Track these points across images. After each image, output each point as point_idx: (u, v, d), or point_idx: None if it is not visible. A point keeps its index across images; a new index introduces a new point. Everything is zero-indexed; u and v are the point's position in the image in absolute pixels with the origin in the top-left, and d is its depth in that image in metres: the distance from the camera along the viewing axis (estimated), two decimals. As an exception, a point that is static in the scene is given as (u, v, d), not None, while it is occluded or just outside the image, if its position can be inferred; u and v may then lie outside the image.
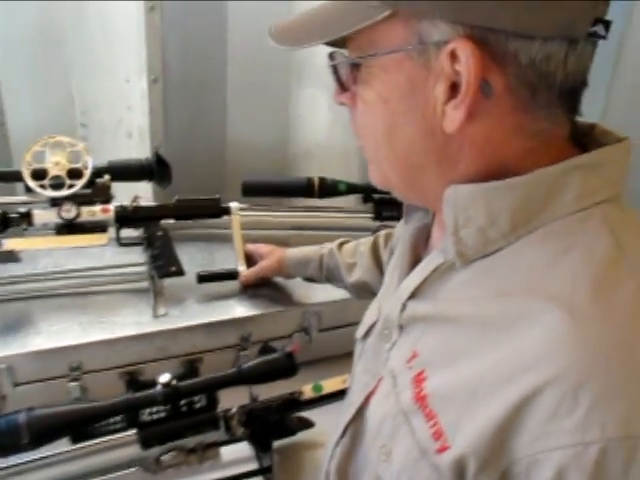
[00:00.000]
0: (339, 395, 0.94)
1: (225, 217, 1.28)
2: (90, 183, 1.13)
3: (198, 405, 0.83)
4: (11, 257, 1.10)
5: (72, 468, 0.82)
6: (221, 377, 0.84)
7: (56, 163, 1.11)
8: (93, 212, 1.13)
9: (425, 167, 0.53)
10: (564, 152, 0.50)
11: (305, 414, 1.00)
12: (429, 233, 0.66)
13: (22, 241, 1.10)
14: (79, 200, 1.12)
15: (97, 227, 1.14)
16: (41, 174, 1.10)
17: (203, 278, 1.19)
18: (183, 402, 0.83)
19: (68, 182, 1.11)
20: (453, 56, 0.46)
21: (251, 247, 1.25)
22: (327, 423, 1.03)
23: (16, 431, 0.73)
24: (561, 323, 0.43)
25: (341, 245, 1.11)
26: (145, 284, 1.20)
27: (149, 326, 1.08)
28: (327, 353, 1.21)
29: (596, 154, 0.50)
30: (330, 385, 0.94)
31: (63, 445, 0.81)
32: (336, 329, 1.23)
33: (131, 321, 1.09)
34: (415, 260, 0.64)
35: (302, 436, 1.02)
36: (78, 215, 1.11)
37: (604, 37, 0.47)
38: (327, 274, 1.11)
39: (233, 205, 1.25)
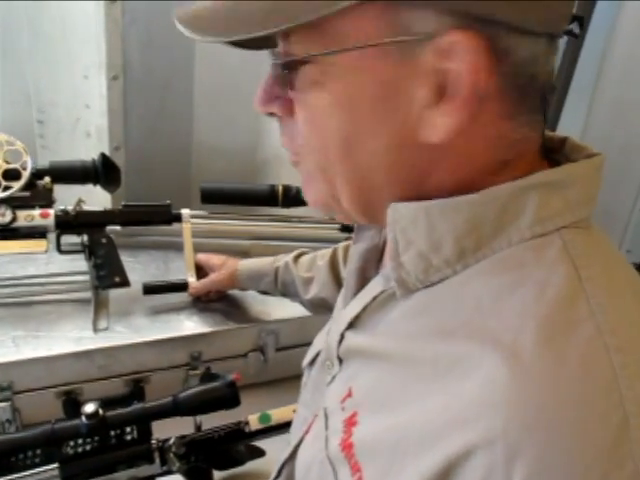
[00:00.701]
0: (289, 425, 0.86)
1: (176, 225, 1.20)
2: (29, 185, 1.04)
3: (129, 437, 0.75)
4: (-61, 264, 1.01)
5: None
6: (154, 407, 0.75)
7: (-9, 162, 1.03)
8: (31, 216, 1.04)
9: (387, 184, 0.45)
10: (533, 167, 0.43)
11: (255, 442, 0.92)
12: (381, 254, 0.58)
13: (-50, 247, 1.01)
14: (16, 203, 1.03)
15: (35, 233, 1.05)
16: (-26, 174, 1.01)
17: (149, 289, 1.10)
18: (113, 433, 0.74)
19: (4, 184, 1.03)
20: (444, 52, 0.38)
21: (202, 257, 1.17)
22: (278, 451, 0.95)
23: None
24: (500, 374, 0.36)
25: (298, 257, 1.03)
26: (87, 295, 1.11)
27: (90, 342, 0.99)
28: (284, 374, 1.13)
29: (559, 171, 0.42)
30: (280, 415, 0.86)
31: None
32: (294, 348, 1.15)
33: (71, 336, 1.00)
34: (362, 284, 0.56)
35: (251, 465, 0.94)
36: (14, 219, 1.02)
37: (576, 35, 0.41)
38: (282, 289, 1.03)
39: (184, 212, 1.17)
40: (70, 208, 1.08)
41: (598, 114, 1.69)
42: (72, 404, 0.98)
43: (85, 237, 1.08)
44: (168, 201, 1.16)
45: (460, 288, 0.43)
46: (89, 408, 0.72)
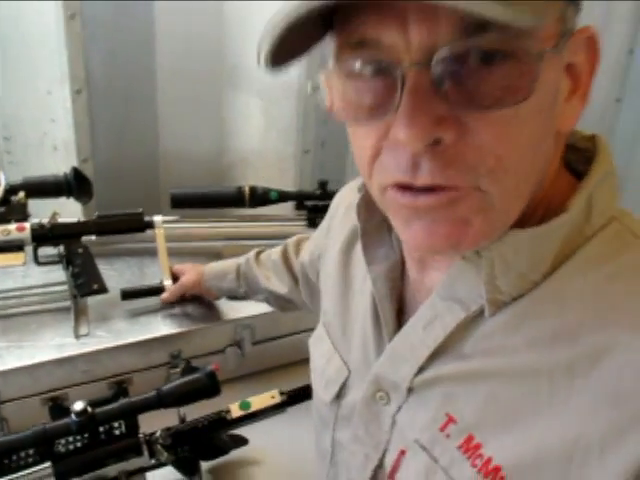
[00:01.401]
0: (269, 411, 0.91)
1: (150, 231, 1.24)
2: (4, 201, 1.08)
3: (118, 432, 0.79)
4: None
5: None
6: (139, 401, 0.80)
7: (-35, 181, 1.06)
8: (7, 231, 1.08)
9: (537, 183, 0.45)
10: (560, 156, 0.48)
11: (238, 431, 0.97)
12: (402, 271, 0.58)
13: None
14: (-8, 218, 1.07)
15: (12, 246, 1.08)
16: (-52, 193, 1.04)
17: (127, 294, 1.15)
18: (102, 429, 0.79)
19: (-21, 200, 1.06)
20: (576, 46, 0.41)
21: (178, 267, 1.21)
22: (261, 439, 1.01)
23: None
24: None
25: (258, 255, 1.07)
26: (67, 304, 1.15)
27: (72, 348, 1.03)
28: (261, 366, 1.18)
29: (602, 165, 0.47)
30: (259, 402, 0.91)
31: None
32: (270, 341, 1.20)
33: (53, 344, 1.04)
34: (398, 306, 0.56)
35: (235, 454, 0.99)
36: (-9, 234, 1.06)
37: None
38: (246, 286, 1.07)
39: (156, 218, 1.21)
40: (45, 221, 1.12)
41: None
42: (58, 410, 1.02)
43: (62, 248, 1.12)
44: (140, 209, 1.20)
45: (556, 292, 0.45)
46: (78, 406, 0.76)
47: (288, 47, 0.40)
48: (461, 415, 0.48)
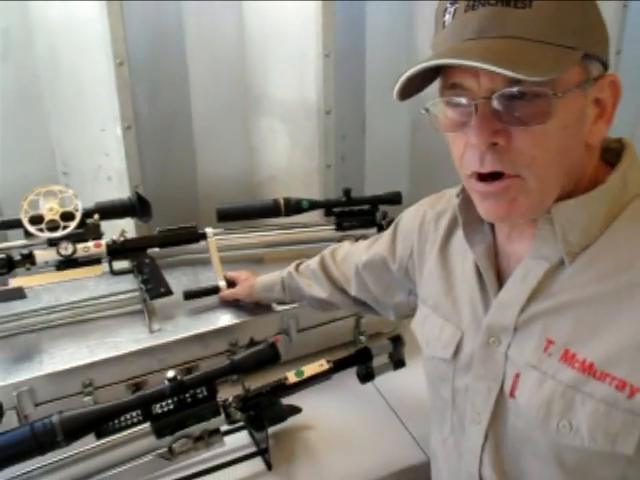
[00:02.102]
0: (318, 378, 1.10)
1: (202, 242, 1.44)
2: (82, 223, 1.28)
3: (200, 396, 0.98)
4: (19, 294, 1.24)
5: (99, 460, 0.96)
6: (218, 369, 0.99)
7: (50, 209, 1.27)
8: (87, 248, 1.28)
9: (567, 179, 0.68)
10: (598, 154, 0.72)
11: (292, 401, 1.15)
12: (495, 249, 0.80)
13: (29, 278, 1.25)
14: (74, 239, 1.27)
15: (92, 260, 1.29)
16: (38, 219, 1.25)
17: (189, 295, 1.35)
18: (187, 394, 0.98)
19: (62, 224, 1.26)
20: (602, 86, 0.66)
21: (233, 274, 1.41)
22: (312, 408, 1.19)
23: (52, 430, 0.88)
24: None
25: (297, 267, 1.28)
26: (137, 307, 1.35)
27: (148, 341, 1.23)
28: (306, 351, 1.37)
29: (629, 155, 0.71)
30: (310, 369, 1.10)
31: (90, 442, 0.96)
32: (312, 328, 1.39)
33: (131, 339, 1.24)
34: (497, 272, 0.78)
35: (292, 421, 1.18)
36: (74, 251, 1.27)
37: None
38: (290, 294, 1.28)
39: (209, 230, 1.41)
40: (115, 238, 1.32)
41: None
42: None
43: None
44: (194, 223, 1.40)
45: (611, 241, 0.67)
46: (170, 374, 0.95)
47: (412, 87, 0.67)
48: (557, 337, 0.69)
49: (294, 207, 1.48)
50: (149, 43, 1.62)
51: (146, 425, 0.97)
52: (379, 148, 2.00)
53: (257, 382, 1.10)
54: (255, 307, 1.36)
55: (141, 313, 1.33)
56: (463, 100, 0.64)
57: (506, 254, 0.78)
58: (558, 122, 0.62)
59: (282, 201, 1.47)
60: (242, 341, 1.30)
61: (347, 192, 1.53)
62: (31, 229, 1.24)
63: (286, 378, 1.08)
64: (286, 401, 1.14)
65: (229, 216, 1.48)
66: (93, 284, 1.43)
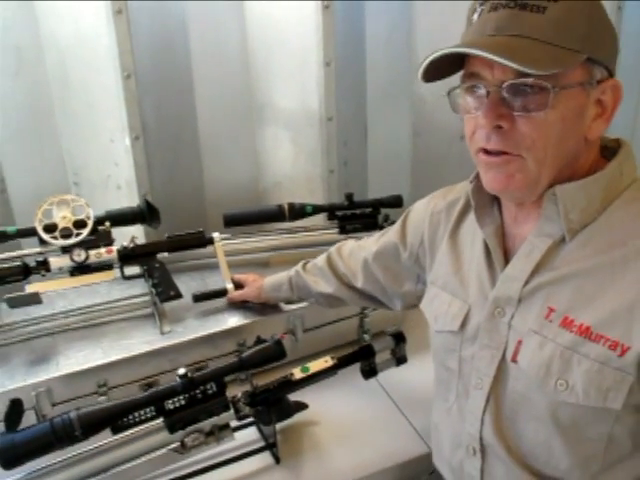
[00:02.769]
0: (324, 374, 1.14)
1: (210, 247, 1.48)
2: (93, 230, 1.33)
3: (210, 392, 1.03)
4: (35, 299, 1.29)
5: (115, 455, 1.01)
6: (227, 366, 1.03)
7: (63, 217, 1.32)
8: (99, 254, 1.33)
9: (563, 165, 0.76)
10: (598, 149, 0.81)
11: (298, 397, 1.20)
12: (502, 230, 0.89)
13: (44, 284, 1.30)
14: (86, 245, 1.32)
15: (104, 266, 1.35)
16: (52, 228, 1.30)
17: (198, 298, 1.40)
18: (198, 391, 1.02)
19: (75, 232, 1.31)
20: (604, 89, 0.73)
21: (240, 276, 1.46)
22: (318, 405, 1.24)
23: (70, 425, 0.93)
24: None
25: (304, 265, 1.34)
26: (148, 310, 1.40)
27: (159, 342, 1.28)
28: (311, 350, 1.41)
29: (625, 150, 0.80)
30: (315, 366, 1.14)
31: (106, 437, 1.01)
32: (318, 328, 1.44)
33: (143, 341, 1.29)
34: (504, 251, 0.86)
35: (299, 417, 1.22)
36: (87, 258, 1.32)
37: None
38: (298, 292, 1.33)
39: (216, 235, 1.46)
40: (126, 244, 1.37)
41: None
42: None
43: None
44: (201, 228, 1.45)
45: (607, 221, 0.76)
46: (181, 371, 1.00)
47: (438, 72, 0.77)
48: (558, 305, 0.77)
49: (298, 212, 1.53)
50: (155, 56, 1.68)
51: (159, 420, 1.02)
52: (381, 153, 2.05)
53: (264, 380, 1.15)
54: (262, 308, 1.41)
55: (152, 316, 1.38)
56: (479, 86, 0.74)
57: (512, 235, 0.86)
58: (557, 113, 0.71)
59: (286, 206, 1.52)
60: (250, 341, 1.33)
61: (349, 196, 1.58)
62: (45, 237, 1.29)
63: (292, 374, 1.13)
64: (293, 398, 1.18)
65: (235, 221, 1.53)
66: (105, 289, 1.49)
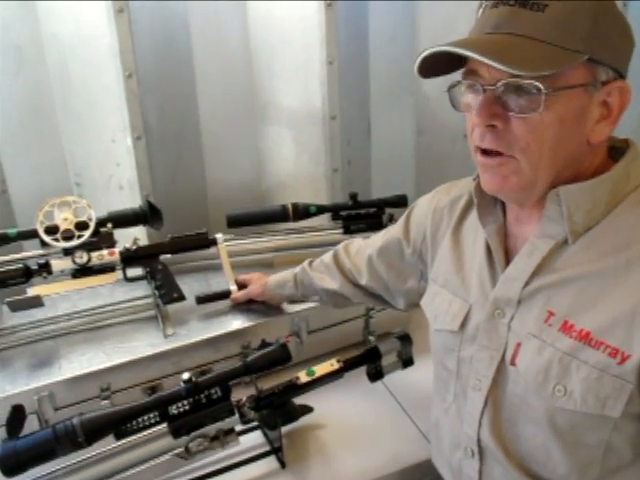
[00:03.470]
0: (329, 377, 1.13)
1: (213, 248, 1.47)
2: (95, 232, 1.32)
3: (215, 396, 1.01)
4: (37, 302, 1.28)
5: (118, 461, 0.99)
6: (231, 370, 1.02)
7: (65, 219, 1.30)
8: (101, 256, 1.32)
9: (563, 169, 0.74)
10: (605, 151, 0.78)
11: (304, 400, 1.18)
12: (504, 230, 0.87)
13: (46, 287, 1.28)
14: (88, 247, 1.31)
15: (106, 268, 1.33)
16: (53, 229, 1.29)
17: (201, 300, 1.39)
18: (202, 395, 1.01)
19: (77, 233, 1.30)
20: (609, 91, 0.70)
21: (245, 277, 1.45)
22: (323, 408, 1.22)
23: (73, 431, 0.91)
24: None
25: (310, 263, 1.32)
26: (151, 313, 1.39)
27: (163, 345, 1.26)
28: (316, 352, 1.40)
29: (633, 151, 0.77)
30: (321, 369, 1.13)
31: (109, 443, 0.99)
32: (322, 330, 1.42)
33: (146, 344, 1.27)
34: (506, 251, 0.84)
35: (304, 421, 1.21)
36: (89, 260, 1.30)
37: None
38: (302, 289, 1.31)
39: (219, 236, 1.45)
40: (128, 245, 1.36)
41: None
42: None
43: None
44: (205, 229, 1.44)
45: (612, 224, 0.74)
46: (185, 376, 0.99)
47: (437, 69, 0.75)
48: (558, 309, 0.75)
49: (302, 212, 1.51)
50: (157, 55, 1.66)
51: (163, 426, 1.01)
52: (384, 151, 2.03)
53: (270, 383, 1.13)
54: (266, 310, 1.39)
55: (155, 318, 1.36)
56: (476, 84, 0.73)
57: (514, 235, 0.85)
58: (554, 115, 0.69)
59: (290, 206, 1.51)
60: (254, 344, 1.32)
61: (354, 196, 1.56)
62: (47, 239, 1.27)
63: (297, 378, 1.11)
64: (298, 401, 1.16)
65: (239, 222, 1.52)
66: (108, 291, 1.47)
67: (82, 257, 1.29)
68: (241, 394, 1.10)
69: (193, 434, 1.02)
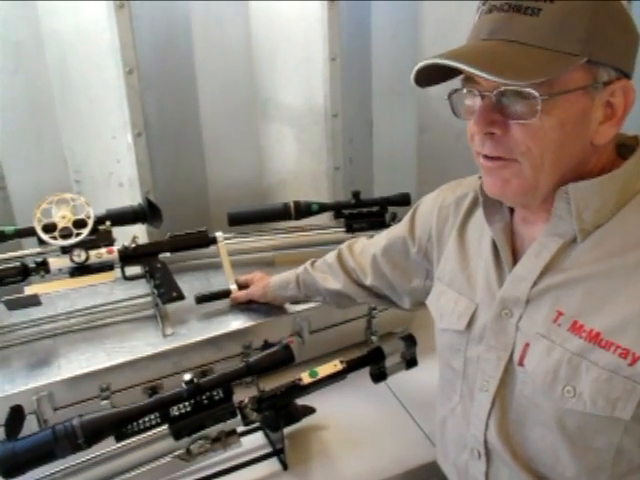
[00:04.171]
0: (332, 378, 1.11)
1: (213, 246, 1.45)
2: (94, 230, 1.30)
3: (217, 397, 1.00)
4: (34, 301, 1.26)
5: (119, 463, 0.98)
6: (233, 371, 1.01)
7: (63, 216, 1.28)
8: (100, 254, 1.30)
9: (566, 171, 0.72)
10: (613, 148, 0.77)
11: (306, 402, 1.17)
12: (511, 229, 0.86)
13: (43, 285, 1.26)
14: (86, 245, 1.29)
15: (105, 267, 1.31)
16: (51, 227, 1.27)
17: (201, 299, 1.37)
18: (204, 396, 0.99)
19: (75, 231, 1.28)
20: (613, 91, 0.68)
21: (247, 277, 1.43)
22: (326, 409, 1.21)
23: (73, 433, 0.90)
24: None
25: (313, 263, 1.31)
26: (151, 312, 1.37)
27: (162, 346, 1.24)
28: (318, 352, 1.38)
29: None
30: (324, 370, 1.11)
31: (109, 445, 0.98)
32: (324, 330, 1.40)
33: (146, 343, 1.26)
34: (512, 249, 0.83)
35: (307, 422, 1.19)
36: (87, 258, 1.28)
37: None
38: (305, 290, 1.29)
39: (219, 234, 1.43)
40: (127, 244, 1.34)
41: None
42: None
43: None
44: (204, 227, 1.42)
45: (621, 223, 0.72)
46: (187, 377, 0.97)
47: (433, 78, 0.74)
48: (567, 309, 0.74)
49: (304, 210, 1.50)
50: (158, 51, 1.65)
51: (164, 427, 0.99)
52: (386, 150, 2.02)
53: (272, 383, 1.12)
54: (267, 310, 1.37)
55: (154, 317, 1.35)
56: (474, 92, 0.72)
57: (520, 235, 0.83)
58: (554, 119, 0.67)
59: (292, 204, 1.49)
60: (255, 344, 1.31)
61: (356, 194, 1.54)
62: (44, 237, 1.26)
63: (300, 379, 1.09)
64: (300, 402, 1.15)
65: (240, 220, 1.50)
66: (106, 290, 1.45)
67: (80, 255, 1.28)
68: (243, 395, 1.09)
69: (194, 436, 1.00)
